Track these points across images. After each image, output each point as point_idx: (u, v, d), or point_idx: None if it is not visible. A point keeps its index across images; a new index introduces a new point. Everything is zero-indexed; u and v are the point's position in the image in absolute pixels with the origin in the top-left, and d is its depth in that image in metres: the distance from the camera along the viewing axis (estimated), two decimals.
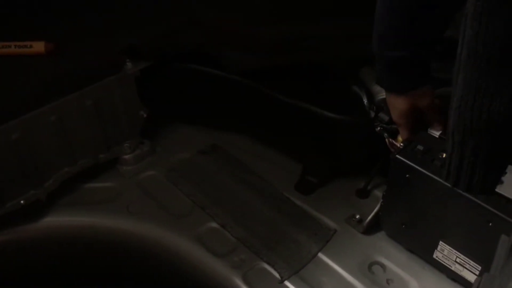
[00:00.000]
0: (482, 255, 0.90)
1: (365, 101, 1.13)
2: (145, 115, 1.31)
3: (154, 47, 1.30)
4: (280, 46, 1.21)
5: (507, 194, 0.84)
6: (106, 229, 1.19)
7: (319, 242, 1.10)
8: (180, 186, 1.26)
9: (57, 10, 1.31)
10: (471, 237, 0.90)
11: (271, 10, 1.23)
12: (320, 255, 1.08)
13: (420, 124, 0.98)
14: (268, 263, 1.07)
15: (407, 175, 0.94)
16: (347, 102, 1.17)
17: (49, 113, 1.13)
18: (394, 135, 1.03)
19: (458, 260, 0.94)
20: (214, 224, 1.16)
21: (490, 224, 0.84)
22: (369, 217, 1.09)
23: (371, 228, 1.10)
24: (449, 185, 0.84)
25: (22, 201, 1.14)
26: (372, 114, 1.09)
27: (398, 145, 1.00)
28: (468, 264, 0.93)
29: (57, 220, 1.20)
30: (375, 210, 1.08)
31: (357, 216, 1.13)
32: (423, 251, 1.02)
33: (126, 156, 1.32)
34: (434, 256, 0.98)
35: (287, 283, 1.03)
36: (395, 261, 1.05)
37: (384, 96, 1.01)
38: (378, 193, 1.17)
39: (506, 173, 0.86)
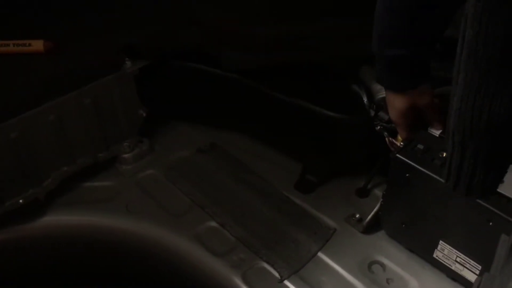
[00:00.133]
0: (482, 254, 0.89)
1: (365, 100, 1.13)
2: (144, 114, 1.31)
3: (153, 46, 1.29)
4: (279, 45, 1.21)
5: (508, 194, 0.83)
6: (105, 228, 1.19)
7: (318, 242, 1.10)
8: (179, 185, 1.26)
9: (56, 8, 1.30)
10: (471, 236, 0.90)
11: (271, 10, 1.23)
12: (319, 254, 1.08)
13: (420, 124, 0.98)
14: (268, 263, 1.07)
15: (407, 174, 0.94)
16: (347, 101, 1.17)
17: (48, 112, 1.13)
18: (394, 134, 1.03)
19: (458, 259, 0.94)
20: (213, 223, 1.16)
21: (491, 223, 0.84)
22: (369, 217, 1.09)
23: (371, 228, 1.10)
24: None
25: (21, 200, 1.14)
26: (372, 113, 1.09)
27: (398, 144, 1.00)
28: (468, 263, 0.92)
29: (56, 219, 1.19)
30: (375, 209, 1.08)
31: (357, 215, 1.13)
32: (423, 251, 1.01)
33: (125, 155, 1.32)
34: (434, 255, 0.98)
35: (286, 282, 1.03)
36: (395, 261, 1.05)
37: (384, 95, 1.00)
38: (378, 192, 1.17)
39: (506, 172, 0.87)
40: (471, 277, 0.93)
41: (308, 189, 1.23)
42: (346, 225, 1.13)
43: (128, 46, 1.25)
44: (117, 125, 1.28)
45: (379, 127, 1.05)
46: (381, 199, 1.05)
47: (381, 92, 1.07)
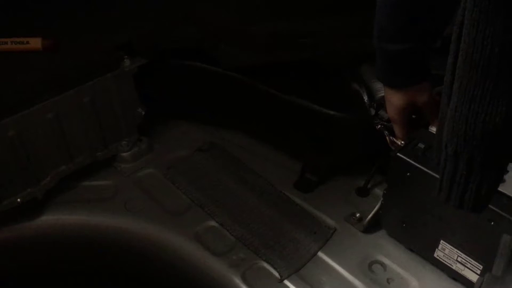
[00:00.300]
0: (483, 254, 0.89)
1: (366, 98, 1.12)
2: (143, 113, 1.30)
3: (152, 44, 1.29)
4: (279, 43, 1.20)
5: (509, 193, 0.83)
6: (104, 228, 1.18)
7: (318, 241, 1.09)
8: (179, 184, 1.26)
9: (55, 6, 1.30)
10: (473, 236, 0.89)
11: (270, 7, 1.23)
12: (319, 254, 1.07)
13: (420, 122, 0.98)
14: (267, 262, 1.06)
15: (407, 173, 0.94)
16: (347, 100, 1.16)
17: (46, 110, 1.12)
18: (394, 133, 1.02)
19: (459, 259, 0.93)
20: (212, 223, 1.16)
21: (492, 223, 0.83)
22: (369, 216, 1.09)
23: (371, 227, 1.09)
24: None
25: (18, 199, 1.13)
26: (373, 112, 1.08)
27: (399, 143, 0.99)
28: (470, 263, 0.92)
29: (54, 218, 1.19)
30: (375, 208, 1.07)
31: (357, 215, 1.12)
32: (424, 250, 1.01)
33: (124, 154, 1.31)
34: (435, 255, 0.97)
35: (286, 282, 1.02)
36: (395, 260, 1.04)
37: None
38: (378, 191, 1.17)
39: (508, 171, 0.86)
40: (472, 277, 0.93)
41: (308, 188, 1.23)
42: (346, 225, 1.13)
43: (127, 44, 1.24)
44: (115, 124, 1.27)
45: (379, 126, 1.05)
46: (382, 198, 1.04)
47: (381, 91, 1.06)
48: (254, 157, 1.32)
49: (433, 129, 0.96)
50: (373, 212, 1.08)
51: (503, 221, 0.82)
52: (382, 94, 1.04)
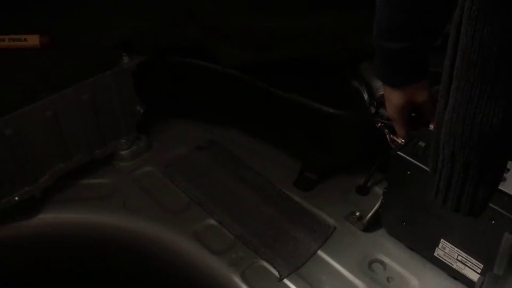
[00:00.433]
0: (484, 253, 0.89)
1: (366, 96, 1.11)
2: (141, 111, 1.29)
3: (151, 41, 1.28)
4: (278, 40, 1.20)
5: (510, 192, 0.83)
6: (102, 226, 1.18)
7: (318, 240, 1.09)
8: (178, 182, 1.25)
9: (53, 3, 1.29)
10: (473, 234, 0.89)
11: (270, 4, 1.22)
12: (319, 252, 1.07)
13: (421, 121, 0.97)
14: (267, 261, 1.05)
15: (408, 172, 0.93)
16: (347, 98, 1.16)
17: (44, 108, 1.11)
18: (395, 131, 1.02)
19: (459, 258, 0.93)
20: (211, 221, 1.15)
21: (493, 222, 0.83)
22: (369, 214, 1.08)
23: (371, 226, 1.09)
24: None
25: (16, 198, 1.13)
26: (373, 110, 1.08)
27: (399, 142, 0.99)
28: (470, 262, 0.92)
29: (52, 216, 1.18)
30: (375, 207, 1.07)
31: (357, 213, 1.12)
32: (424, 249, 1.01)
33: (123, 152, 1.30)
34: (435, 254, 0.97)
35: (286, 281, 1.02)
36: (395, 259, 1.04)
37: None
38: (378, 189, 1.16)
39: (508, 170, 0.86)
40: (473, 276, 0.92)
41: (307, 187, 1.22)
42: (346, 223, 1.12)
43: (126, 42, 1.24)
44: (114, 122, 1.27)
45: (379, 124, 1.04)
46: (382, 197, 1.04)
47: (381, 89, 1.05)
48: (253, 155, 1.31)
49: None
50: (373, 211, 1.07)
51: (504, 219, 0.82)
52: (383, 92, 1.04)
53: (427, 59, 0.91)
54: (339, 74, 1.18)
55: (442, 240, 0.94)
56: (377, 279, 1.01)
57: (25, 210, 1.16)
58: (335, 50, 1.16)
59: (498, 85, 0.56)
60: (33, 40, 1.19)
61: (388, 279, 1.01)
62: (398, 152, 0.94)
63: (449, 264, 0.96)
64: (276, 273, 1.03)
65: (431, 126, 0.96)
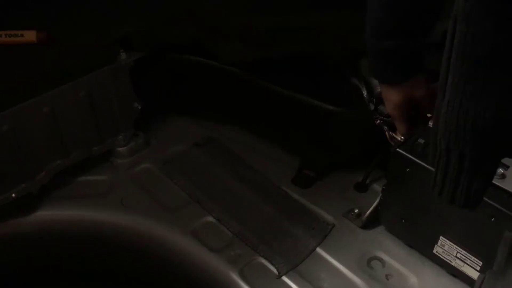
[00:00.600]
0: (483, 250, 0.88)
1: (365, 93, 1.11)
2: (139, 107, 1.29)
3: (149, 37, 1.27)
4: (278, 37, 1.19)
5: (510, 189, 0.82)
6: (100, 223, 1.17)
7: (317, 237, 1.09)
8: (175, 179, 1.25)
9: (52, 2, 1.28)
10: (473, 232, 0.89)
11: (269, 1, 1.21)
12: (318, 250, 1.06)
13: (421, 118, 0.97)
14: (265, 258, 1.05)
15: (407, 169, 0.93)
16: (346, 95, 1.15)
17: (41, 104, 1.11)
18: (394, 128, 1.01)
19: (458, 255, 0.93)
20: (210, 218, 1.15)
21: (493, 219, 0.83)
22: (368, 212, 1.08)
23: (370, 223, 1.09)
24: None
25: (13, 194, 1.12)
26: (372, 107, 1.07)
27: (399, 139, 0.98)
28: (469, 259, 0.91)
29: (50, 213, 1.18)
30: (374, 204, 1.06)
31: (356, 210, 1.12)
32: (423, 246, 1.00)
33: (120, 149, 1.30)
34: (434, 251, 0.97)
35: (284, 278, 1.02)
36: (394, 256, 1.04)
37: None
38: (377, 187, 1.16)
39: (508, 167, 0.86)
40: (472, 273, 0.92)
41: (306, 184, 1.22)
42: (344, 220, 1.12)
43: (123, 38, 1.23)
44: (111, 118, 1.26)
45: (379, 121, 1.04)
46: (381, 194, 1.03)
47: None
48: (251, 152, 1.31)
49: None
50: (372, 208, 1.07)
51: (503, 217, 0.81)
52: None
53: (420, 55, 0.91)
54: (338, 71, 1.17)
55: (441, 237, 0.94)
56: (376, 276, 1.01)
57: (22, 207, 1.15)
58: (335, 49, 1.16)
59: (490, 81, 0.56)
60: (30, 35, 1.18)
61: (387, 276, 1.01)
62: (398, 149, 0.94)
63: (448, 261, 0.96)
64: (274, 270, 1.03)
65: (431, 123, 0.96)
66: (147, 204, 1.19)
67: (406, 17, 0.84)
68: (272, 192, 1.20)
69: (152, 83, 1.33)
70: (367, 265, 1.03)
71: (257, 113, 1.32)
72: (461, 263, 0.93)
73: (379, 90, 1.07)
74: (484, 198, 0.80)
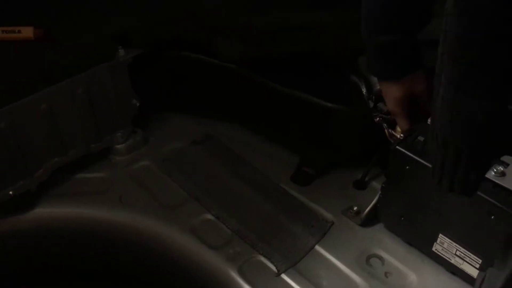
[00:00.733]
0: (483, 248, 0.88)
1: (364, 91, 1.11)
2: (138, 104, 1.28)
3: (147, 34, 1.27)
4: (277, 35, 1.19)
5: (510, 187, 0.82)
6: (98, 221, 1.17)
7: (316, 235, 1.09)
8: (174, 177, 1.24)
9: (52, 2, 1.27)
10: (472, 230, 0.89)
11: (270, 1, 1.21)
12: (317, 247, 1.06)
13: (420, 114, 0.97)
14: (264, 256, 1.05)
15: (407, 167, 0.93)
16: (345, 92, 1.15)
17: (39, 101, 1.10)
18: (393, 125, 1.01)
19: (458, 253, 0.93)
20: (208, 216, 1.14)
21: (492, 217, 0.82)
22: (367, 209, 1.08)
23: (369, 220, 1.09)
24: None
25: (11, 192, 1.11)
26: (371, 105, 1.07)
27: (398, 136, 0.98)
28: (468, 257, 0.91)
29: (47, 211, 1.17)
30: (373, 202, 1.06)
31: (355, 208, 1.12)
32: (422, 244, 1.00)
33: (119, 146, 1.29)
34: (434, 249, 0.97)
35: (283, 276, 1.02)
36: (393, 254, 1.03)
37: None
38: (376, 184, 1.16)
39: (508, 164, 0.85)
40: (471, 271, 0.92)
41: (305, 181, 1.22)
42: (343, 218, 1.12)
43: (122, 34, 1.22)
44: (110, 115, 1.25)
45: (378, 118, 1.04)
46: (380, 192, 1.03)
47: None
48: (250, 150, 1.31)
49: None
50: (371, 206, 1.07)
51: (503, 215, 0.81)
52: None
53: (418, 50, 0.91)
54: (337, 68, 1.17)
55: (440, 235, 0.94)
56: (375, 274, 1.01)
57: (20, 204, 1.15)
58: (335, 48, 1.15)
59: (482, 78, 0.57)
60: (27, 32, 1.17)
61: (386, 274, 1.01)
62: (397, 147, 0.93)
63: (447, 259, 0.95)
64: (273, 268, 1.03)
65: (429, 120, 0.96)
66: (146, 201, 1.18)
67: (399, 12, 0.84)
68: (271, 190, 1.20)
69: (150, 80, 1.33)
70: (366, 262, 1.03)
71: (256, 111, 1.32)
72: (461, 261, 0.93)
73: (378, 87, 1.07)
74: (484, 196, 0.81)
